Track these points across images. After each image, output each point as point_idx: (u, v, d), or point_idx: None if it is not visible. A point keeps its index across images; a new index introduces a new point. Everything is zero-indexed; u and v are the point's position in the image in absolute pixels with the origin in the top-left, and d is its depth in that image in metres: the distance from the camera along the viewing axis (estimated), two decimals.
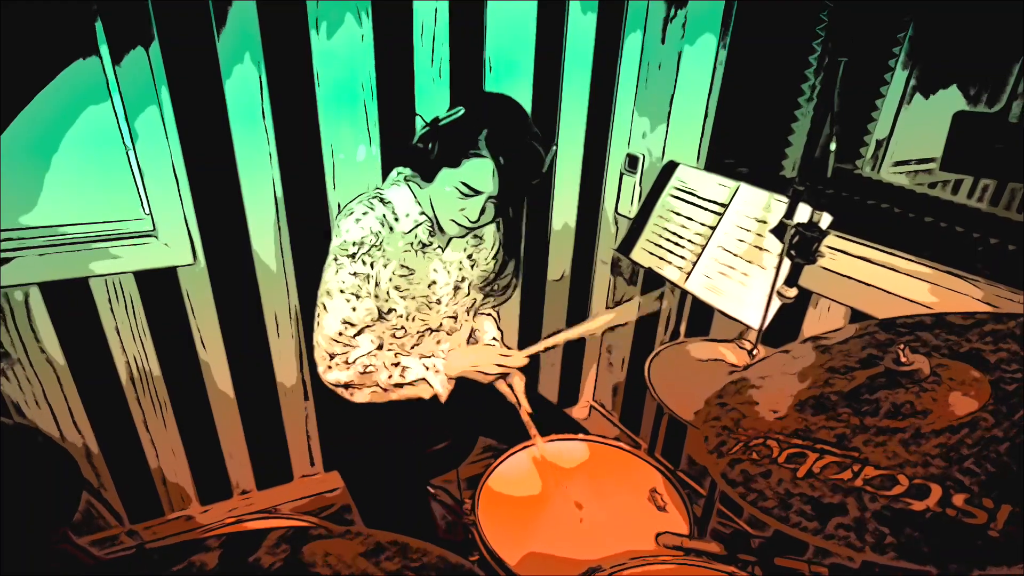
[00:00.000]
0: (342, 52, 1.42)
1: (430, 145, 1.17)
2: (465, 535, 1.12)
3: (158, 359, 1.55)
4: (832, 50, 1.36)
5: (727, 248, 1.41)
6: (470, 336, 1.51)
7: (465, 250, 1.36)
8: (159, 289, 1.48)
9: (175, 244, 1.43)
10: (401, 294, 1.28)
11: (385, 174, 1.58)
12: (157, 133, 1.31)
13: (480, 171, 1.14)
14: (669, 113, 1.74)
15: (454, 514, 1.49)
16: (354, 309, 1.21)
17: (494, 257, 1.43)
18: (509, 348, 1.38)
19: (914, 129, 1.29)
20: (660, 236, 1.59)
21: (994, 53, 1.15)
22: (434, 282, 1.32)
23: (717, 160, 1.68)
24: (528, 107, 1.69)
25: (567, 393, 2.36)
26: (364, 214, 1.20)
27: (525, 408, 1.34)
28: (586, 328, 1.35)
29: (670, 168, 1.63)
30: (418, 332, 1.37)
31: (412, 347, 1.37)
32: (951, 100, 1.21)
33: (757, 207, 1.38)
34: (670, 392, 1.27)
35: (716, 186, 1.48)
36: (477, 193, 1.16)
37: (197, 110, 1.34)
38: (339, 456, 1.43)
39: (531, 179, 1.18)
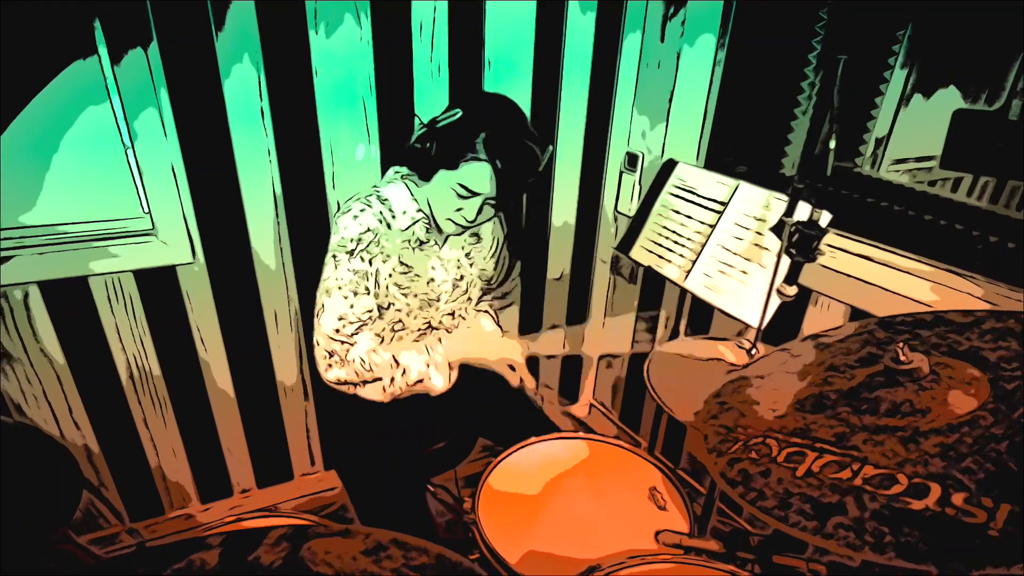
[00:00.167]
0: (341, 52, 1.42)
1: (427, 146, 1.17)
2: (465, 534, 1.12)
3: (158, 358, 1.55)
4: (831, 49, 1.36)
5: (727, 246, 1.41)
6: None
7: (463, 248, 1.37)
8: (159, 288, 1.48)
9: (174, 243, 1.43)
10: (402, 291, 1.28)
11: (384, 173, 1.58)
12: (156, 133, 1.31)
13: (478, 174, 1.14)
14: (668, 111, 1.74)
15: (454, 513, 1.49)
16: (352, 306, 1.21)
17: (493, 256, 1.43)
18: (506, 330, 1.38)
19: (913, 127, 1.29)
20: (660, 234, 1.59)
21: (993, 51, 1.15)
22: (432, 279, 1.32)
23: (716, 158, 1.68)
24: (527, 106, 1.70)
25: (567, 392, 2.36)
26: (362, 211, 1.21)
27: (529, 387, 1.34)
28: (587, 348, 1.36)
29: (669, 166, 1.63)
30: (418, 330, 1.37)
31: (412, 343, 1.37)
32: (950, 98, 1.21)
33: (757, 205, 1.37)
34: (669, 391, 1.27)
35: (716, 184, 1.48)
36: (474, 195, 1.16)
37: (196, 110, 1.34)
38: (339, 455, 1.43)
39: (527, 179, 1.18)
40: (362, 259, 1.20)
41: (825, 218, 1.12)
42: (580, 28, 1.68)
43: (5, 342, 1.37)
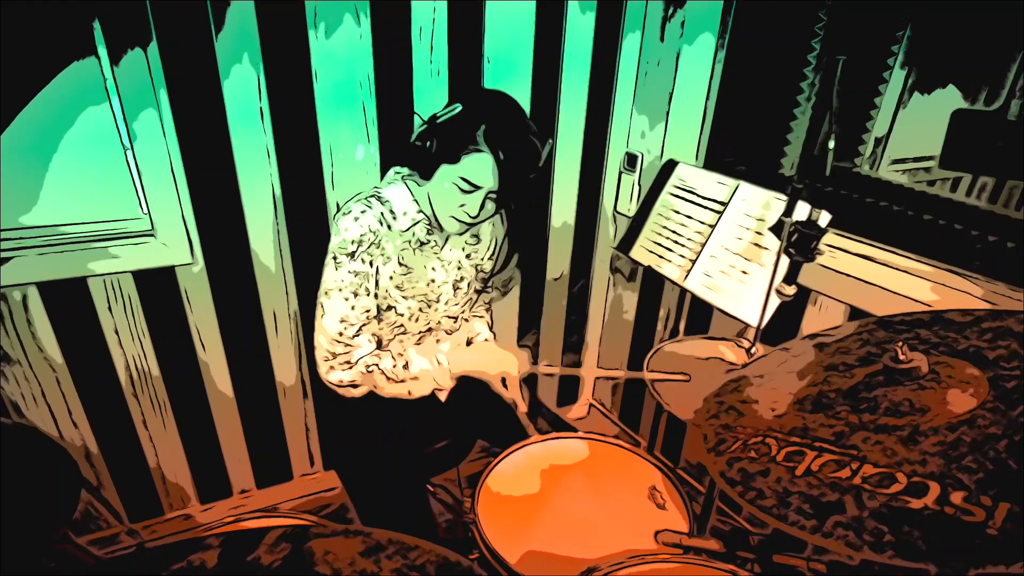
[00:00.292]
0: (341, 52, 1.42)
1: (428, 143, 1.17)
2: (465, 534, 1.12)
3: (157, 359, 1.55)
4: (831, 49, 1.36)
5: (726, 246, 1.41)
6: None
7: (463, 249, 1.37)
8: (158, 289, 1.47)
9: (174, 244, 1.43)
10: (403, 293, 1.28)
11: (384, 173, 1.58)
12: (156, 133, 1.31)
13: (480, 166, 1.14)
14: (668, 112, 1.74)
15: (454, 512, 1.49)
16: (353, 308, 1.21)
17: (491, 256, 1.43)
18: (505, 347, 1.38)
19: (913, 127, 1.29)
20: (659, 234, 1.59)
21: (992, 51, 1.15)
22: (432, 280, 1.32)
23: (716, 158, 1.68)
24: (527, 106, 1.70)
25: (566, 391, 2.36)
26: (362, 212, 1.20)
27: (522, 408, 1.34)
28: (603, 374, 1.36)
29: (669, 166, 1.63)
30: (419, 332, 1.37)
31: (413, 346, 1.37)
32: (949, 98, 1.21)
33: (756, 205, 1.38)
34: (669, 390, 1.27)
35: (715, 184, 1.48)
36: (477, 188, 1.16)
37: (196, 111, 1.34)
38: (339, 455, 1.43)
39: (529, 173, 1.18)
40: (363, 261, 1.20)
41: (824, 218, 1.12)
42: (580, 28, 1.68)
43: (4, 343, 1.37)
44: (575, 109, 1.80)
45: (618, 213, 1.99)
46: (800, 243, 1.12)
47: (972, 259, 1.18)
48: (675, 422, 1.91)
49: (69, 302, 1.39)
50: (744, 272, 1.36)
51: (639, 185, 1.87)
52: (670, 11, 1.67)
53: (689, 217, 1.52)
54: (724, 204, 1.44)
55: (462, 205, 1.19)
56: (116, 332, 1.47)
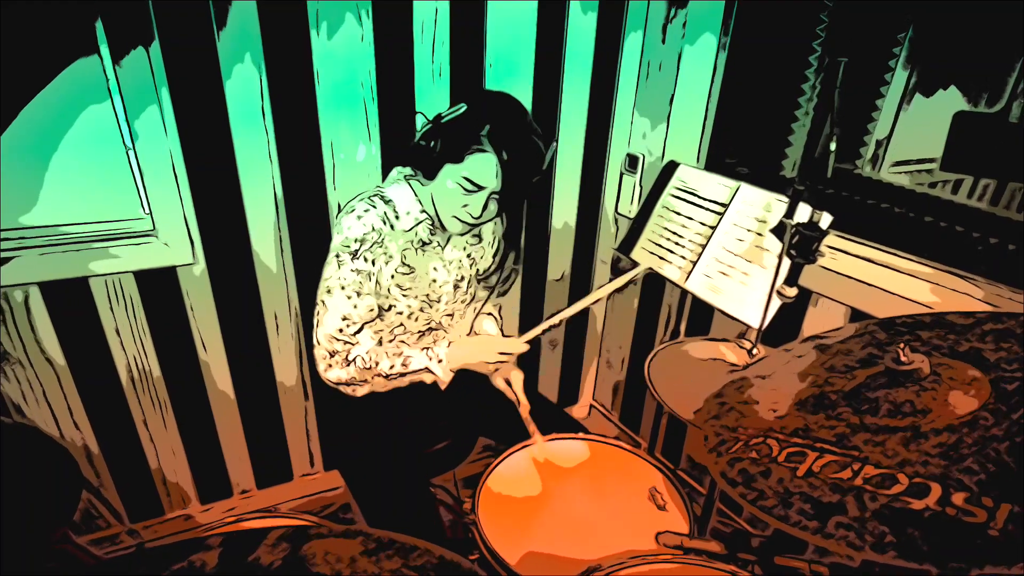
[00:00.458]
0: (342, 52, 1.42)
1: (432, 142, 1.17)
2: (465, 534, 1.12)
3: (158, 359, 1.55)
4: (832, 50, 1.36)
5: (727, 248, 1.41)
6: (470, 333, 1.51)
7: (465, 249, 1.37)
8: (159, 289, 1.48)
9: (175, 244, 1.43)
10: (403, 292, 1.28)
11: (385, 174, 1.58)
12: (157, 133, 1.31)
13: (483, 165, 1.14)
14: (669, 113, 1.74)
15: (454, 513, 1.49)
16: (355, 306, 1.21)
17: (493, 256, 1.43)
18: (508, 336, 1.38)
19: (914, 129, 1.29)
20: (660, 236, 1.59)
21: (994, 53, 1.15)
22: (434, 280, 1.32)
23: (717, 160, 1.68)
24: (528, 107, 1.69)
25: (567, 392, 2.36)
26: (366, 211, 1.21)
27: (524, 406, 1.34)
28: (584, 303, 1.35)
29: (670, 168, 1.63)
30: (419, 331, 1.37)
31: (413, 344, 1.37)
32: (951, 100, 1.21)
33: (757, 207, 1.37)
34: (670, 391, 1.27)
35: (716, 186, 1.48)
36: (480, 188, 1.17)
37: (197, 110, 1.34)
38: (339, 455, 1.43)
39: (532, 175, 1.18)
40: (365, 259, 1.20)
41: (826, 220, 1.12)
42: (581, 29, 1.68)
43: (5, 343, 1.37)
44: (576, 110, 1.80)
45: (619, 214, 1.99)
46: (801, 245, 1.12)
47: (973, 261, 1.18)
48: (676, 424, 1.91)
49: (70, 302, 1.39)
50: (745, 273, 1.36)
51: (640, 186, 1.87)
52: (672, 12, 1.67)
53: (690, 218, 1.52)
54: (725, 206, 1.43)
55: (465, 205, 1.19)
56: (117, 332, 1.47)
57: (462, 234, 1.29)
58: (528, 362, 2.17)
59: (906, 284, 1.26)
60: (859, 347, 0.83)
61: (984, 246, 1.17)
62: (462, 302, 1.42)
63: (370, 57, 1.45)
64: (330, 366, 1.25)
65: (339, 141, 1.51)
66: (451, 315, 1.42)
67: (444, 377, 1.27)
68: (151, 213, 1.39)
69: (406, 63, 1.50)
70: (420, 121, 1.23)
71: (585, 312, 2.20)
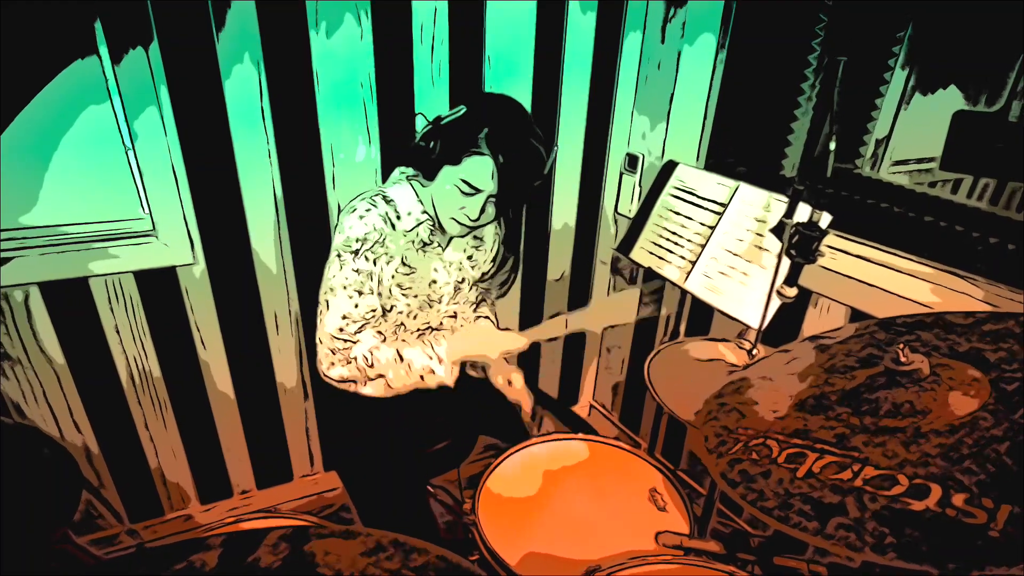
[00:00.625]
0: (342, 52, 1.42)
1: (432, 143, 1.17)
2: (465, 535, 1.12)
3: (158, 359, 1.55)
4: (832, 49, 1.36)
5: (727, 248, 1.41)
6: None
7: (465, 251, 1.37)
8: (159, 289, 1.48)
9: (175, 244, 1.43)
10: (403, 292, 1.28)
11: (385, 174, 1.58)
12: (157, 133, 1.31)
13: (480, 169, 1.14)
14: (669, 113, 1.74)
15: (454, 513, 1.49)
16: (356, 305, 1.22)
17: (493, 259, 1.43)
18: (507, 329, 1.38)
19: (914, 128, 1.29)
20: (660, 236, 1.59)
21: (993, 52, 1.15)
22: (435, 281, 1.32)
23: (717, 159, 1.68)
24: (528, 107, 1.69)
25: (567, 393, 2.36)
26: (368, 211, 1.21)
27: (526, 408, 1.34)
28: (589, 322, 1.35)
29: (670, 167, 1.63)
30: (418, 330, 1.37)
31: (413, 344, 1.37)
32: (951, 99, 1.21)
33: (757, 206, 1.37)
34: (670, 392, 1.27)
35: (716, 185, 1.48)
36: (477, 191, 1.17)
37: (197, 110, 1.34)
38: (339, 456, 1.43)
39: (532, 180, 1.18)
40: (366, 259, 1.21)
41: (825, 219, 1.12)
42: (580, 29, 1.68)
43: (5, 343, 1.37)
44: (576, 110, 1.80)
45: (619, 214, 1.99)
46: (801, 244, 1.12)
47: (973, 261, 1.18)
48: (675, 424, 1.91)
49: (70, 302, 1.39)
50: (745, 273, 1.36)
51: (640, 186, 1.87)
52: (671, 12, 1.67)
53: (689, 218, 1.52)
54: (724, 205, 1.43)
55: (463, 207, 1.19)
56: (117, 332, 1.47)
57: (462, 236, 1.29)
58: (528, 362, 2.17)
59: (906, 284, 1.26)
60: (859, 347, 0.83)
61: (984, 246, 1.17)
62: (463, 303, 1.42)
63: (369, 57, 1.45)
64: (332, 364, 1.25)
65: (339, 141, 1.51)
66: (453, 316, 1.42)
67: (447, 376, 1.27)
68: (151, 213, 1.39)
69: (405, 63, 1.50)
70: (420, 122, 1.23)
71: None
